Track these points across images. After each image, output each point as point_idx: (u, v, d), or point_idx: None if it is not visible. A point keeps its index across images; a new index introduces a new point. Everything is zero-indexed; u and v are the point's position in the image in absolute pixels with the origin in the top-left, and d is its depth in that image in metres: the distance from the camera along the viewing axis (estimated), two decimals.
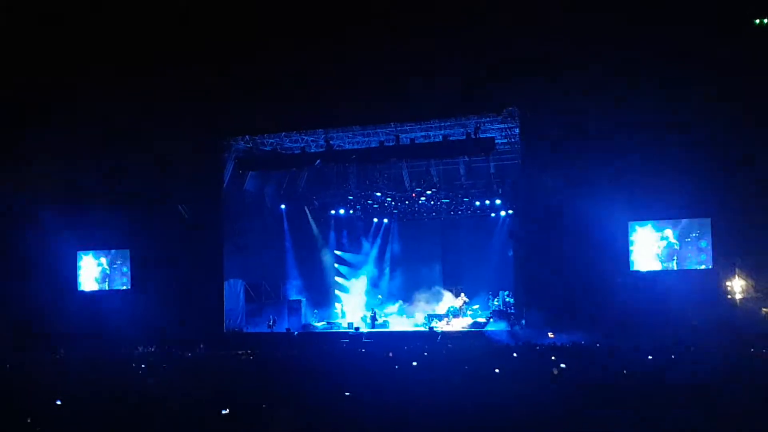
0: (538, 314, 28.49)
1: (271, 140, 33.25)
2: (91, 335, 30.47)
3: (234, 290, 33.41)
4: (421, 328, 33.30)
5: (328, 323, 35.65)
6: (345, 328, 33.99)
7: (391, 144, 31.73)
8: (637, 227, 29.44)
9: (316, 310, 36.83)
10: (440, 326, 32.70)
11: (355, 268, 40.34)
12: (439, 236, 40.27)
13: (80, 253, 35.75)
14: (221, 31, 30.69)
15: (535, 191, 29.75)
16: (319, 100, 30.66)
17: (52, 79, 32.00)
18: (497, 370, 17.48)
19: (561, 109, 28.61)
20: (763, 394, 13.61)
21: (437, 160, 35.02)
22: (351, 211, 38.63)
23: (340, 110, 30.82)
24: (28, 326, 31.43)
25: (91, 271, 35.62)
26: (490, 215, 37.58)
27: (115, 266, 35.34)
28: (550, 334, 27.24)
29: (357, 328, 32.73)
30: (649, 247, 29.26)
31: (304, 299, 36.41)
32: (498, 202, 35.70)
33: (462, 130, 30.91)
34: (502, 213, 36.75)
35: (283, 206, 36.93)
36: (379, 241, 40.81)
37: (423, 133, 31.75)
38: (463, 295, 35.03)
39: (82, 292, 35.49)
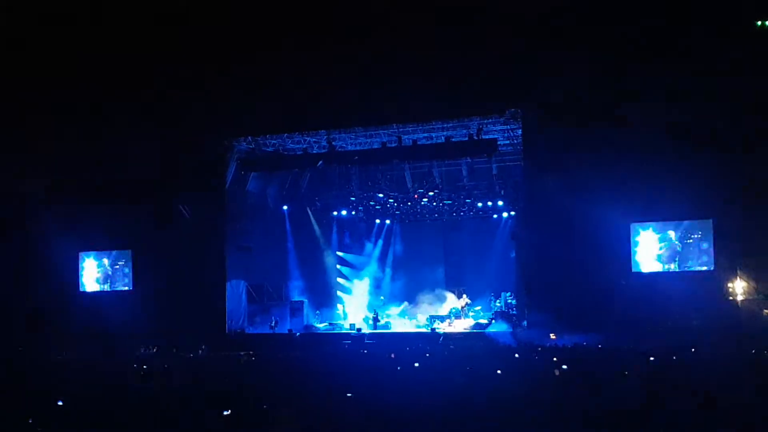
0: (539, 315, 28.48)
1: (273, 141, 33.26)
2: (93, 336, 30.47)
3: (236, 291, 33.39)
4: (423, 330, 33.30)
5: (330, 324, 35.68)
6: (347, 329, 34.00)
7: (393, 145, 31.72)
8: (639, 229, 29.43)
9: (318, 312, 36.84)
10: (442, 327, 32.70)
11: (357, 270, 40.34)
12: (441, 237, 40.27)
13: (82, 254, 35.76)
14: (223, 31, 30.70)
15: (537, 193, 29.74)
16: (322, 101, 30.65)
17: (52, 80, 32.01)
18: (499, 372, 17.47)
19: (563, 110, 28.59)
20: (765, 395, 13.59)
21: (439, 162, 34.99)
22: (353, 212, 38.63)
23: (343, 111, 30.82)
24: (30, 327, 31.43)
25: (92, 272, 35.63)
26: (492, 217, 37.57)
27: (116, 267, 35.34)
28: (552, 336, 27.23)
29: (359, 330, 32.74)
30: (651, 249, 29.25)
31: (306, 300, 36.43)
32: (500, 203, 35.68)
33: (464, 131, 30.91)
34: (504, 214, 36.74)
35: (285, 207, 36.91)
36: (381, 242, 40.81)
37: (425, 135, 31.77)
38: (465, 296, 35.05)
39: (84, 292, 35.49)
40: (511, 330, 30.34)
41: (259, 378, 18.16)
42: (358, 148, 33.10)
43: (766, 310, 27.56)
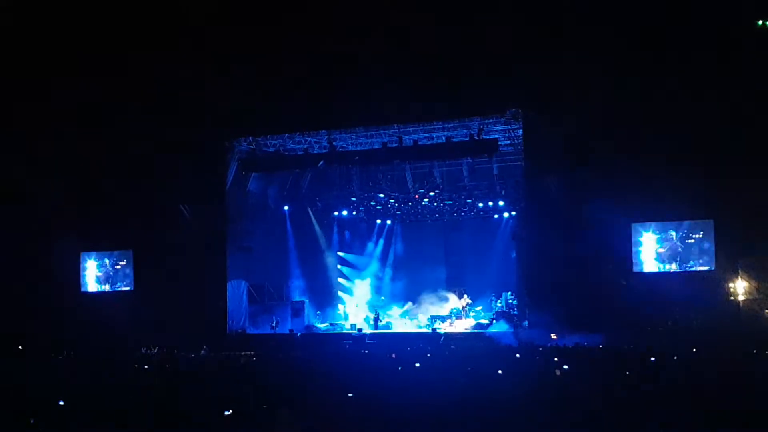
0: (540, 316, 28.46)
1: (274, 141, 33.26)
2: (94, 336, 30.46)
3: (237, 291, 33.38)
4: (424, 330, 33.30)
5: (331, 324, 35.67)
6: (348, 329, 33.99)
7: (394, 145, 31.70)
8: (640, 229, 29.44)
9: (319, 312, 36.85)
10: (443, 327, 32.70)
11: (358, 270, 40.34)
12: (442, 238, 40.27)
13: (83, 254, 35.78)
14: (224, 31, 30.69)
15: (538, 193, 29.76)
16: (322, 102, 30.64)
17: (52, 80, 32.01)
18: (500, 372, 17.47)
19: (564, 110, 28.59)
20: (765, 395, 13.59)
21: (440, 162, 34.98)
22: (354, 213, 38.63)
23: (344, 111, 30.80)
24: (31, 327, 31.42)
25: (94, 273, 35.65)
26: (493, 217, 37.57)
27: (118, 267, 35.35)
28: (553, 336, 27.23)
29: (360, 330, 32.73)
30: (651, 249, 29.25)
31: (307, 300, 36.42)
32: (501, 203, 35.70)
33: (465, 131, 30.89)
34: (505, 214, 36.73)
35: (286, 207, 36.91)
36: (382, 242, 40.80)
37: (426, 135, 31.76)
38: (466, 296, 35.04)
39: (86, 293, 35.51)
40: (512, 330, 30.34)
41: (260, 378, 18.16)
42: (358, 148, 33.08)
43: (767, 310, 27.55)
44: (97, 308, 34.02)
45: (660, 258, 29.17)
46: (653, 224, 29.33)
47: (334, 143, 32.30)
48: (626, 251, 29.30)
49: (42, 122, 32.85)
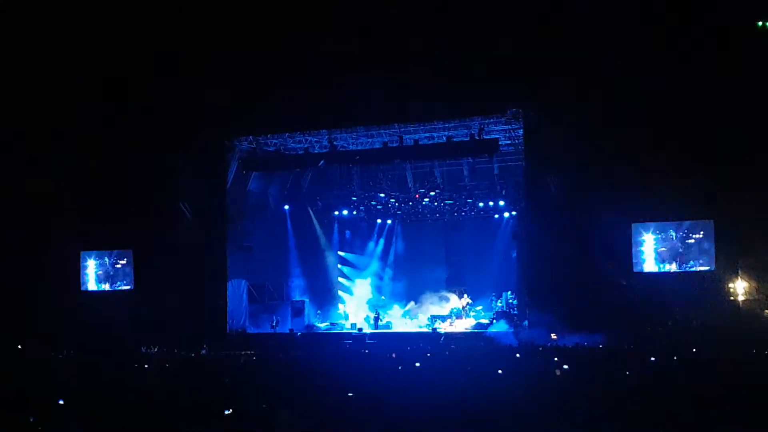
0: (541, 315, 28.46)
1: (274, 141, 33.26)
2: (94, 335, 30.46)
3: (237, 291, 33.39)
4: (425, 329, 33.31)
5: (331, 324, 35.67)
6: (348, 329, 34.01)
7: (394, 145, 31.71)
8: (640, 229, 29.42)
9: (319, 311, 36.86)
10: (443, 327, 32.71)
11: (358, 269, 40.37)
12: (442, 237, 40.27)
13: (83, 254, 35.77)
14: (225, 30, 30.68)
15: (538, 192, 29.75)
16: (323, 101, 30.63)
17: (52, 80, 32.00)
18: (500, 371, 17.48)
19: (565, 110, 28.58)
20: (765, 395, 13.59)
21: (441, 161, 35.00)
22: (354, 212, 38.63)
23: (344, 111, 30.78)
24: (31, 326, 31.42)
25: (94, 272, 35.64)
26: (493, 216, 37.57)
27: (118, 266, 35.34)
28: (553, 336, 27.23)
29: (360, 329, 32.75)
30: (652, 249, 29.24)
31: (308, 300, 36.45)
32: (501, 203, 35.73)
33: (466, 131, 30.90)
34: (506, 214, 36.74)
35: (286, 207, 36.92)
36: (382, 242, 40.82)
37: (427, 134, 31.75)
38: (466, 296, 35.06)
39: (86, 292, 35.50)
40: (512, 330, 30.34)
41: (260, 377, 18.18)
42: (359, 147, 33.08)
43: (767, 311, 27.55)
44: (97, 307, 34.00)
45: (660, 258, 29.16)
46: (653, 224, 29.30)
47: (334, 143, 32.31)
48: (626, 251, 29.27)
49: (42, 122, 32.82)
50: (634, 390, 14.73)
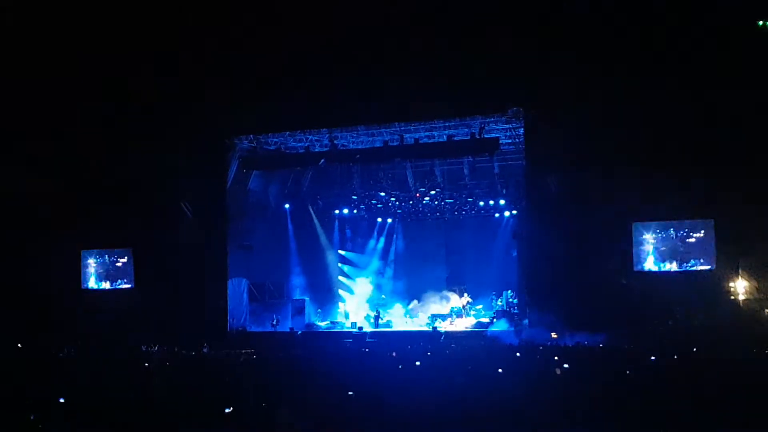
0: (541, 314, 28.47)
1: (275, 139, 33.26)
2: (95, 334, 30.45)
3: (237, 289, 33.39)
4: (425, 328, 33.31)
5: (332, 323, 35.68)
6: (348, 327, 34.03)
7: (395, 144, 31.71)
8: (640, 228, 29.43)
9: (319, 310, 36.87)
10: (443, 326, 32.72)
11: (358, 268, 40.38)
12: (442, 236, 40.26)
13: (84, 252, 35.79)
14: (226, 30, 30.67)
15: (539, 191, 29.74)
16: (323, 100, 30.62)
17: (52, 79, 31.99)
18: (500, 370, 17.49)
19: (565, 109, 28.58)
20: (765, 395, 13.60)
21: (441, 160, 35.04)
22: (355, 211, 38.61)
23: (345, 110, 30.77)
24: (31, 325, 31.42)
25: (94, 270, 35.66)
26: (494, 215, 37.57)
27: (118, 265, 35.36)
28: (553, 335, 27.24)
29: (360, 328, 32.77)
30: (652, 248, 29.24)
31: (308, 299, 36.47)
32: (502, 202, 35.74)
33: (466, 130, 30.91)
34: (506, 213, 36.74)
35: (287, 205, 36.92)
36: (383, 240, 40.84)
37: (427, 133, 31.75)
38: (466, 294, 35.07)
39: (86, 290, 35.52)
40: (512, 329, 30.36)
41: (260, 376, 18.19)
42: (360, 146, 33.11)
43: (767, 310, 27.56)
44: (97, 306, 34.06)
45: (660, 257, 29.16)
46: (654, 223, 29.30)
47: (335, 141, 32.32)
48: (627, 250, 29.29)
49: (42, 122, 32.82)
50: (634, 389, 14.74)
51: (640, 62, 27.41)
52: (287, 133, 32.51)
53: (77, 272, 35.57)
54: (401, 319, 35.73)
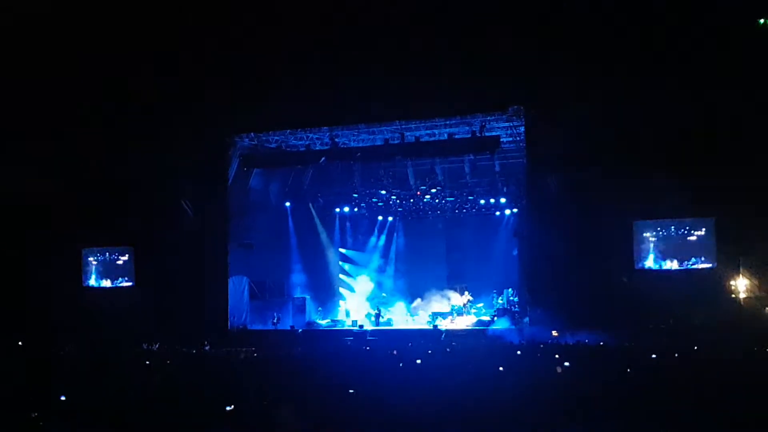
0: (542, 313, 28.49)
1: (276, 138, 33.25)
2: (96, 332, 30.49)
3: (238, 287, 33.41)
4: (426, 326, 33.32)
5: (332, 321, 35.69)
6: (349, 325, 34.03)
7: (396, 142, 31.75)
8: (641, 226, 29.45)
9: (320, 308, 36.88)
10: (444, 324, 32.73)
11: (359, 266, 40.40)
12: (443, 234, 40.32)
13: (85, 250, 35.83)
14: (226, 29, 30.68)
15: (539, 190, 29.75)
16: (324, 98, 30.62)
17: (53, 79, 32.01)
18: (501, 369, 17.50)
19: (566, 107, 28.58)
20: (766, 395, 13.61)
21: (442, 159, 35.01)
22: (356, 209, 38.64)
23: (346, 108, 30.78)
24: (32, 323, 31.46)
25: (95, 268, 35.68)
26: (494, 214, 37.61)
27: (119, 263, 35.39)
28: (554, 333, 27.25)
29: (361, 326, 32.78)
30: (652, 246, 29.26)
31: (309, 297, 36.48)
32: (503, 200, 35.76)
33: (467, 128, 30.92)
34: (507, 211, 36.79)
35: (287, 204, 36.93)
36: (383, 238, 40.87)
37: (428, 132, 31.78)
38: (467, 293, 35.09)
39: (87, 288, 35.56)
40: (513, 327, 30.38)
41: (261, 374, 18.20)
42: (360, 144, 33.12)
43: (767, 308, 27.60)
44: (98, 304, 34.11)
45: (661, 255, 29.20)
46: (654, 222, 29.35)
47: (335, 139, 32.35)
48: (627, 248, 29.32)
49: (42, 122, 32.82)
50: (634, 388, 14.74)
51: (640, 62, 27.42)
52: (288, 131, 32.53)
53: (78, 270, 35.61)
54: (402, 317, 35.74)
